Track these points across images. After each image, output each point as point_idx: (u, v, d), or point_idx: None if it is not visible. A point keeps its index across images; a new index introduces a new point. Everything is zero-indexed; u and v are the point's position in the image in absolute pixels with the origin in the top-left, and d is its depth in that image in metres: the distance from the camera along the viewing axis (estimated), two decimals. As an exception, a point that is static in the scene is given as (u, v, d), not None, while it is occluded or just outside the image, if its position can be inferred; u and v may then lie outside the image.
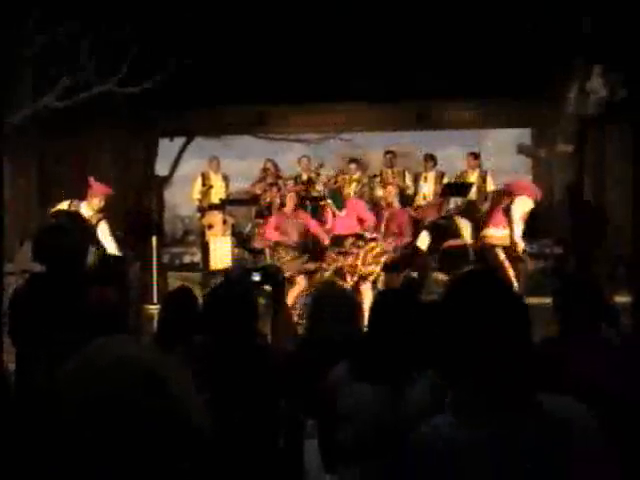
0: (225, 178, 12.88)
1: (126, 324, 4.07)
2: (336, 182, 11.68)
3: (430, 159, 12.62)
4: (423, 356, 2.83)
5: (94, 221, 8.62)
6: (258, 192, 12.36)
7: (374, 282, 9.58)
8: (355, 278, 9.35)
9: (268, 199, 12.10)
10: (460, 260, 9.66)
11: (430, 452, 1.72)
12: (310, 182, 12.57)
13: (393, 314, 3.09)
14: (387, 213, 10.57)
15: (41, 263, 3.96)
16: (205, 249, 12.39)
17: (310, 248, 10.13)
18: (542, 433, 1.67)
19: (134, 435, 1.24)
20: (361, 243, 9.60)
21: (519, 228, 8.87)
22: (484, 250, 9.05)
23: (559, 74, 12.11)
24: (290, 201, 10.20)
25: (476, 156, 12.52)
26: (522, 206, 8.95)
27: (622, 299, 8.85)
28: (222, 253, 11.19)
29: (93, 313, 3.59)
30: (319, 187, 12.57)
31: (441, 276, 10.15)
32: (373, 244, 9.62)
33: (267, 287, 5.19)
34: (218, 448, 2.94)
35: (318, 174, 12.83)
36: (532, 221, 12.54)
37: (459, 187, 12.24)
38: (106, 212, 9.11)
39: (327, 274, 9.40)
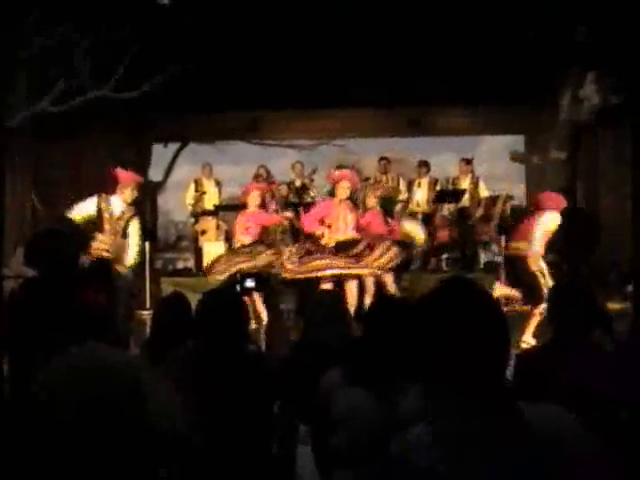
0: (218, 184, 12.90)
1: (116, 328, 4.06)
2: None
3: (424, 165, 12.65)
4: (417, 362, 2.83)
5: (127, 216, 8.30)
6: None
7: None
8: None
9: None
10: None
11: (410, 460, 1.71)
12: (304, 188, 12.57)
13: (388, 321, 3.09)
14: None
15: (33, 268, 3.96)
16: (198, 254, 12.39)
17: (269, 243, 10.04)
18: (524, 441, 1.66)
19: (114, 440, 1.24)
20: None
21: (538, 244, 8.66)
22: (516, 261, 8.84)
23: (552, 81, 12.14)
24: (252, 200, 9.92)
25: (468, 162, 12.55)
26: (550, 223, 8.73)
27: (615, 306, 8.88)
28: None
29: (83, 316, 3.58)
30: (313, 193, 12.58)
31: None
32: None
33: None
34: (211, 453, 2.92)
35: (312, 180, 12.84)
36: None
37: (452, 193, 12.27)
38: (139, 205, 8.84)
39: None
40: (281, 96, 12.15)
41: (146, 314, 9.47)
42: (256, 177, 12.51)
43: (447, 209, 12.49)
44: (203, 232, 12.08)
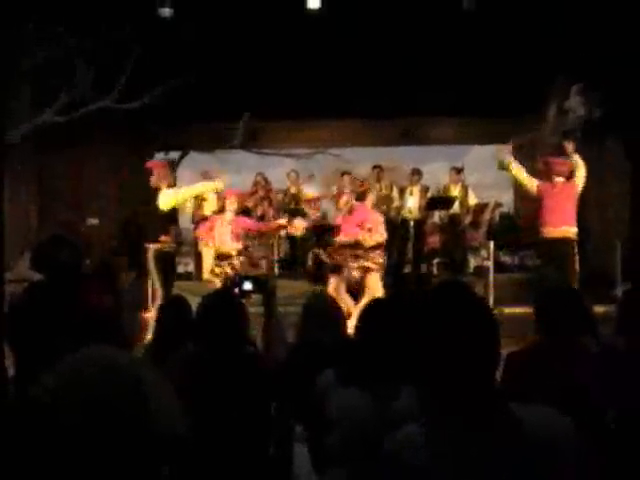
0: (217, 191, 12.87)
1: (121, 330, 4.05)
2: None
3: (416, 173, 12.66)
4: (410, 363, 2.82)
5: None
6: (250, 205, 12.35)
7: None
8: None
9: (259, 212, 12.11)
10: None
11: (401, 459, 1.71)
12: (299, 195, 12.61)
13: (381, 322, 3.08)
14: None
15: (38, 272, 3.96)
16: (198, 259, 12.37)
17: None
18: (516, 442, 1.65)
19: (117, 441, 1.23)
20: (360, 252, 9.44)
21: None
22: (561, 244, 8.22)
23: (539, 94, 12.18)
24: (230, 205, 9.78)
25: (459, 171, 12.60)
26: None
27: (600, 309, 8.88)
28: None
29: (88, 319, 3.57)
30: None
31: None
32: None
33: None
34: (209, 453, 2.91)
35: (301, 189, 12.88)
36: (513, 234, 12.63)
37: (443, 201, 12.30)
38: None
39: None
40: (279, 107, 12.19)
41: (149, 316, 9.45)
42: (255, 185, 12.53)
43: (438, 216, 12.51)
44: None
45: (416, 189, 12.55)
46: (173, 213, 8.57)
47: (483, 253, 11.92)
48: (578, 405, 2.69)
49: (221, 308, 3.61)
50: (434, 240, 12.44)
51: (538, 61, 11.17)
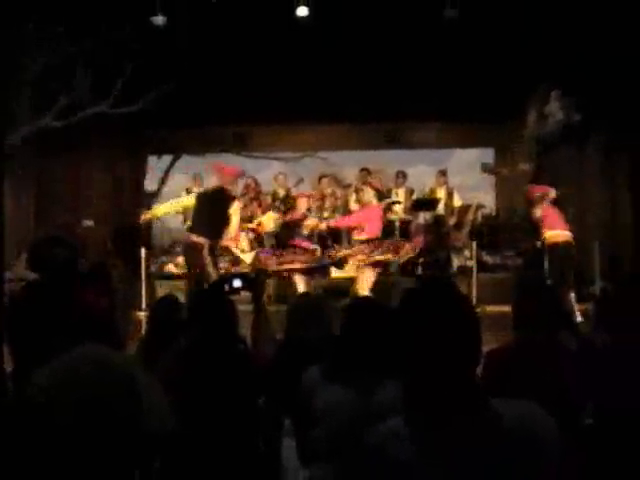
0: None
1: (116, 330, 4.04)
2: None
3: (401, 176, 12.71)
4: (393, 359, 2.82)
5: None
6: (240, 207, 12.34)
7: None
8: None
9: (249, 213, 12.09)
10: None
11: (384, 453, 1.71)
12: (288, 197, 12.60)
13: (364, 319, 3.08)
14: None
15: (35, 272, 3.95)
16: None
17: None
18: (498, 436, 1.65)
19: (110, 438, 1.23)
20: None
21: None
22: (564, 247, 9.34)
23: (519, 99, 12.22)
24: None
25: (443, 174, 12.65)
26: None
27: (581, 307, 8.93)
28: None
29: (84, 318, 3.57)
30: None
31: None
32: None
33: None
34: (198, 446, 2.92)
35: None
36: (494, 234, 12.66)
37: (427, 203, 12.33)
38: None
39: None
40: (268, 112, 12.21)
41: (142, 315, 9.44)
42: (245, 187, 12.52)
43: (423, 217, 12.54)
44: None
45: (401, 191, 12.60)
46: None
47: (466, 253, 11.94)
48: (557, 401, 2.71)
49: (210, 305, 3.63)
50: (419, 240, 12.46)
51: (519, 67, 11.21)
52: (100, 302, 3.85)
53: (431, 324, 1.73)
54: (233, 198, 8.31)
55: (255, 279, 8.48)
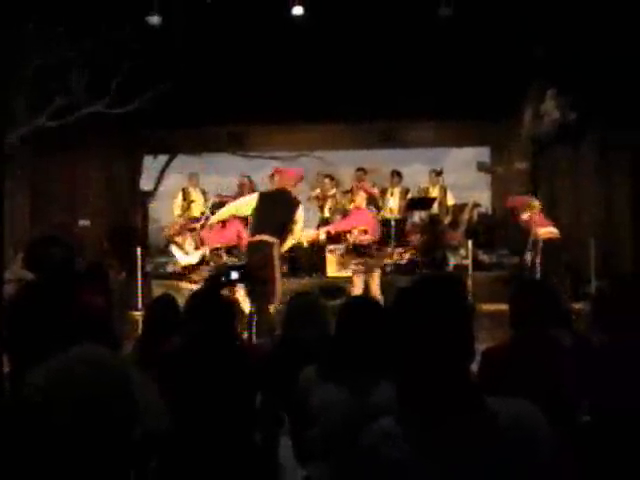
0: (204, 193, 12.89)
1: (113, 330, 4.04)
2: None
3: (396, 175, 12.71)
4: (388, 357, 2.82)
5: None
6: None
7: None
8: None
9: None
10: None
11: (379, 452, 1.71)
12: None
13: (359, 318, 3.08)
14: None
15: (31, 272, 3.95)
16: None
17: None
18: (493, 435, 1.65)
19: (106, 437, 1.23)
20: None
21: None
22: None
23: (515, 98, 12.24)
24: None
25: (438, 173, 12.68)
26: None
27: (575, 306, 8.95)
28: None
29: (81, 318, 3.56)
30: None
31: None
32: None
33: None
34: (194, 444, 2.91)
35: None
36: (490, 233, 12.68)
37: (422, 202, 12.36)
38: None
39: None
40: (264, 112, 12.23)
41: (138, 314, 9.44)
42: (241, 186, 12.52)
43: (418, 216, 12.56)
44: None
45: (397, 190, 12.61)
46: None
47: (462, 252, 11.95)
48: (553, 399, 2.71)
49: (209, 302, 3.63)
50: (414, 239, 12.47)
51: (514, 66, 11.22)
52: (97, 301, 3.85)
53: (423, 321, 1.72)
54: (298, 203, 8.28)
55: (250, 272, 8.48)
